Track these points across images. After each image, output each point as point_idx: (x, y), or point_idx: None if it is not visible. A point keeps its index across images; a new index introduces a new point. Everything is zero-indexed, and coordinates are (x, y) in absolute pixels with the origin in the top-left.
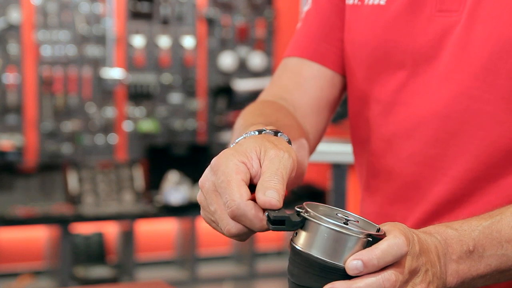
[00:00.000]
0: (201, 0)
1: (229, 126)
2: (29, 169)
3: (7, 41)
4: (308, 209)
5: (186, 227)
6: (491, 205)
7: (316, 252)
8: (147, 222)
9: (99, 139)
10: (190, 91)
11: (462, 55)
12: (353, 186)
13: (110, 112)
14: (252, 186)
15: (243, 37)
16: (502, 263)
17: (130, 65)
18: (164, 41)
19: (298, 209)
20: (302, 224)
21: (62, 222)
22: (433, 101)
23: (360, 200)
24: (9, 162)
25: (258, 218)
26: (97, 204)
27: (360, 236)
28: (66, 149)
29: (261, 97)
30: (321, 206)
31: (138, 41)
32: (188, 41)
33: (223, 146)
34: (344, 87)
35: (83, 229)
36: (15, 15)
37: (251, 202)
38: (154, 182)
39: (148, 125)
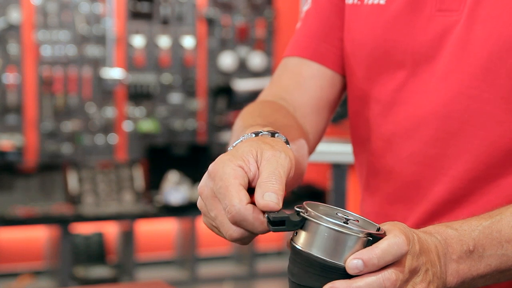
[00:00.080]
0: (201, 0)
1: (229, 126)
2: (29, 169)
3: (7, 41)
4: (308, 209)
5: (186, 227)
6: (491, 205)
7: (316, 252)
8: (147, 222)
9: (99, 139)
10: (190, 91)
11: (462, 55)
12: (353, 186)
13: (110, 112)
14: (251, 190)
15: (243, 37)
16: (502, 263)
17: (130, 65)
18: (164, 41)
19: (297, 209)
20: (302, 224)
21: (62, 222)
22: (433, 100)
23: (360, 200)
24: (9, 162)
25: (259, 221)
26: (97, 204)
27: (360, 235)
28: (66, 149)
29: (261, 97)
30: (321, 206)
31: (138, 41)
32: (188, 41)
33: (223, 146)
34: (344, 87)
35: (83, 229)
36: (15, 15)
37: (250, 206)
38: (154, 182)
39: (148, 125)
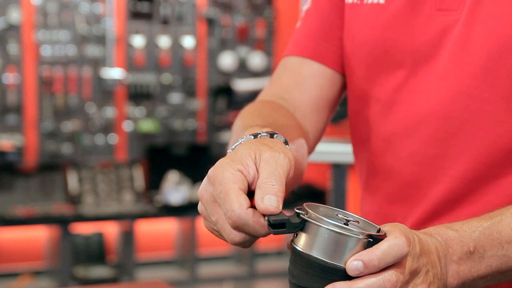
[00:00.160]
0: (201, 0)
1: (229, 126)
2: (29, 169)
3: (7, 41)
4: (309, 210)
5: (186, 227)
6: (491, 204)
7: (317, 253)
8: (147, 222)
9: (99, 139)
10: (190, 91)
11: (462, 54)
12: (353, 186)
13: (110, 112)
14: (251, 193)
15: (243, 37)
16: (503, 264)
17: (130, 65)
18: (164, 41)
19: (297, 211)
20: (302, 225)
21: (62, 222)
22: (433, 100)
23: (359, 199)
24: (9, 162)
25: (260, 225)
26: (97, 204)
27: (360, 236)
28: (66, 149)
29: (261, 96)
30: (321, 207)
31: (138, 41)
32: (188, 41)
33: (223, 146)
34: (344, 86)
35: (83, 229)
36: (15, 15)
37: (251, 210)
38: (154, 182)
39: (148, 125)
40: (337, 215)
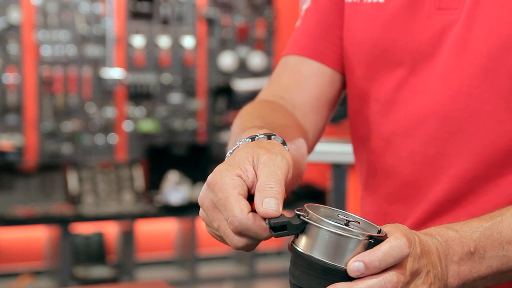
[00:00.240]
0: (201, 0)
1: (229, 126)
2: (29, 169)
3: (7, 41)
4: (309, 211)
5: (186, 227)
6: (491, 204)
7: (318, 254)
8: (147, 222)
9: (99, 139)
10: (190, 91)
11: (462, 54)
12: (353, 186)
13: (110, 112)
14: (251, 197)
15: (243, 37)
16: (503, 264)
17: (130, 65)
18: (164, 41)
19: (298, 212)
20: (303, 227)
21: (62, 222)
22: (433, 99)
23: (359, 199)
24: (9, 162)
25: (262, 228)
26: (97, 204)
27: (361, 237)
28: (66, 149)
29: (260, 96)
30: (322, 208)
31: (138, 41)
32: (188, 41)
33: (223, 146)
34: (343, 85)
35: (83, 229)
36: (15, 15)
37: (252, 214)
38: (154, 182)
39: (148, 125)
40: (337, 215)
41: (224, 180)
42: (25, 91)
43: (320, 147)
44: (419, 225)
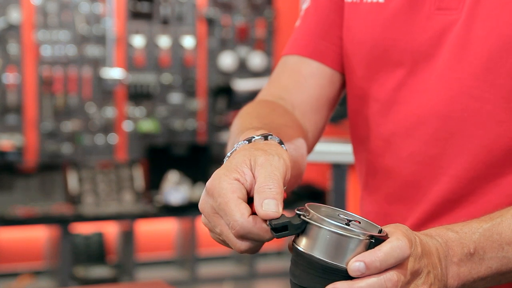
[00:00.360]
0: (201, 0)
1: (229, 126)
2: (29, 169)
3: (7, 41)
4: (310, 211)
5: (186, 227)
6: (491, 204)
7: (318, 254)
8: (147, 222)
9: (99, 139)
10: (190, 91)
11: (462, 54)
12: (353, 186)
13: (110, 112)
14: (251, 199)
15: (243, 37)
16: (503, 265)
17: (130, 65)
18: (164, 41)
19: (298, 212)
20: (304, 226)
21: (62, 222)
22: (433, 100)
23: (359, 199)
24: (9, 162)
25: (264, 230)
26: (97, 204)
27: (362, 237)
28: (66, 149)
29: (260, 96)
30: (323, 207)
31: (138, 41)
32: (188, 41)
33: (223, 146)
34: (343, 85)
35: (83, 229)
36: (15, 15)
37: (252, 217)
38: (154, 182)
39: (148, 125)
40: (338, 215)
41: (222, 185)
42: (25, 91)
43: (320, 147)
44: (419, 226)
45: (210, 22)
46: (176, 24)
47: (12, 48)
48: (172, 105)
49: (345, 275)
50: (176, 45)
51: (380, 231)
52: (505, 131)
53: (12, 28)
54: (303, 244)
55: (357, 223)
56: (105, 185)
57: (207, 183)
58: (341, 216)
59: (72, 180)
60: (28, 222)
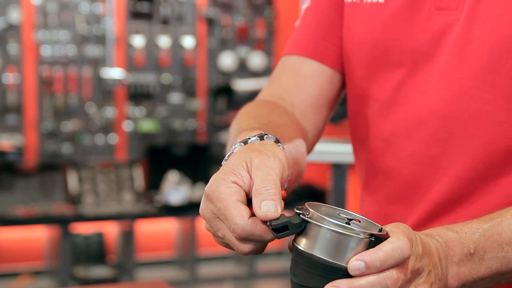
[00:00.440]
0: (201, 0)
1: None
2: (29, 169)
3: (7, 41)
4: (310, 210)
5: (186, 227)
6: (491, 204)
7: (319, 252)
8: (147, 222)
9: (99, 139)
10: (190, 91)
11: (462, 54)
12: (353, 186)
13: (110, 112)
14: (251, 201)
15: (243, 37)
16: (503, 266)
17: (130, 65)
18: (164, 41)
19: (298, 211)
20: (304, 225)
21: (62, 222)
22: (433, 100)
23: (359, 199)
24: (9, 162)
25: (265, 231)
26: (97, 204)
27: (362, 236)
28: (66, 149)
29: (260, 96)
30: (323, 206)
31: (138, 41)
32: (188, 41)
33: (223, 146)
34: (343, 85)
35: (83, 229)
36: (15, 15)
37: (253, 219)
38: (154, 182)
39: (148, 125)
40: (339, 214)
41: (221, 189)
42: (25, 91)
43: (320, 147)
44: (419, 226)
45: (210, 22)
46: (176, 24)
47: (12, 48)
48: (172, 105)
49: (345, 274)
50: (176, 45)
51: (381, 230)
52: (505, 131)
53: (12, 28)
54: (303, 243)
55: (357, 222)
56: (105, 185)
57: (205, 188)
58: (342, 215)
59: (72, 180)
60: (28, 222)
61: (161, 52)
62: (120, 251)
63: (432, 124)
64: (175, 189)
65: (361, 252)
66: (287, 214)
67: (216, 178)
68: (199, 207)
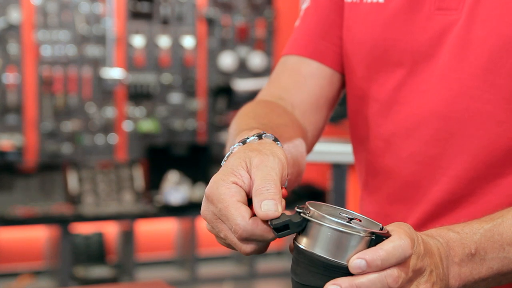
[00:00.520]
0: (201, 0)
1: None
2: (29, 169)
3: (7, 41)
4: (311, 208)
5: (186, 227)
6: (491, 204)
7: (320, 251)
8: (147, 222)
9: (99, 139)
10: (190, 91)
11: (462, 54)
12: (353, 186)
13: (110, 112)
14: (251, 201)
15: (243, 37)
16: (504, 266)
17: (130, 65)
18: (164, 41)
19: (298, 210)
20: (305, 224)
21: (62, 222)
22: (433, 100)
23: (359, 199)
24: (9, 162)
25: (267, 231)
26: (97, 204)
27: (362, 234)
28: (66, 149)
29: (259, 96)
30: (324, 206)
31: (138, 41)
32: (188, 41)
33: (223, 146)
34: (343, 85)
35: (83, 229)
36: (15, 15)
37: (254, 219)
38: (154, 182)
39: (148, 125)
40: (339, 213)
41: (221, 190)
42: (25, 91)
43: (320, 147)
44: (419, 226)
45: (210, 22)
46: (176, 24)
47: (12, 48)
48: (172, 105)
49: (346, 272)
50: (176, 45)
51: (381, 229)
52: (505, 131)
53: (12, 28)
54: (304, 242)
55: (358, 221)
56: (105, 185)
57: (206, 189)
58: (342, 214)
59: (72, 180)
60: (28, 222)
61: (161, 52)
62: (120, 251)
63: (432, 124)
64: (175, 189)
65: (362, 250)
66: (288, 213)
67: (216, 179)
68: (199, 207)
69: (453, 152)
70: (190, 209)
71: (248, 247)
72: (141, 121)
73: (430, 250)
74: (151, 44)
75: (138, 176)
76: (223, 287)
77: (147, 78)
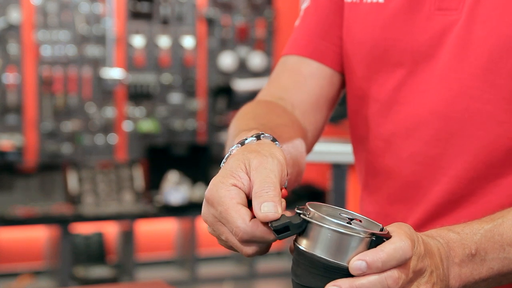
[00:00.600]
0: (201, 0)
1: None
2: (29, 169)
3: (7, 41)
4: (311, 209)
5: (186, 227)
6: (491, 205)
7: (320, 252)
8: (147, 222)
9: (99, 139)
10: (190, 91)
11: (462, 54)
12: (353, 186)
13: (110, 112)
14: (251, 203)
15: (243, 37)
16: (504, 266)
17: (130, 65)
18: (164, 41)
19: (298, 211)
20: (305, 225)
21: (62, 222)
22: (433, 100)
23: (359, 199)
24: (9, 162)
25: (267, 232)
26: (97, 204)
27: (363, 235)
28: (66, 149)
29: (259, 96)
30: (324, 206)
31: (138, 41)
32: (188, 41)
33: (223, 146)
34: (343, 85)
35: (83, 229)
36: (15, 15)
37: (254, 221)
38: (154, 182)
39: (148, 125)
40: (340, 214)
41: (220, 193)
42: (25, 91)
43: (320, 147)
44: (419, 226)
45: (210, 22)
46: (176, 24)
47: (12, 48)
48: (172, 105)
49: (346, 274)
50: (176, 45)
51: (382, 230)
52: (506, 131)
53: (12, 28)
54: (304, 243)
55: (359, 222)
56: (105, 185)
57: (205, 192)
58: (342, 215)
59: (72, 180)
60: (28, 222)
61: (161, 52)
62: (120, 251)
63: (432, 124)
64: (175, 189)
65: (362, 251)
66: (288, 214)
67: (215, 182)
68: (199, 207)
69: (453, 152)
70: (190, 209)
71: (249, 249)
72: (141, 121)
73: (430, 250)
74: (151, 44)
75: (138, 176)
76: (223, 287)
77: (147, 78)
